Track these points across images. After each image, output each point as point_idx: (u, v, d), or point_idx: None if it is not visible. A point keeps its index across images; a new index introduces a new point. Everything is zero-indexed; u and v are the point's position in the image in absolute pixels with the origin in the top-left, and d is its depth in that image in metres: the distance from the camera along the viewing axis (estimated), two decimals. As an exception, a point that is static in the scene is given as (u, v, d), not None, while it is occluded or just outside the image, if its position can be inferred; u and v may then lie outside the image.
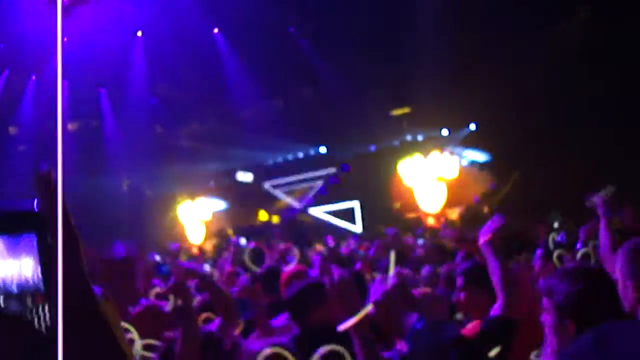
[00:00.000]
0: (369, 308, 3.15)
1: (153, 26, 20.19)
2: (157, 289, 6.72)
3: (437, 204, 22.29)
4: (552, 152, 18.78)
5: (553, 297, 2.99)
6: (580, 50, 18.37)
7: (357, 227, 24.96)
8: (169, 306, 5.91)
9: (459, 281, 5.24)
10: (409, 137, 25.08)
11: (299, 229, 23.10)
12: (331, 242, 16.63)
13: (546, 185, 18.32)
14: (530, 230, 12.86)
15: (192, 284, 7.90)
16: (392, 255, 4.56)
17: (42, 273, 1.07)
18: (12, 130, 22.86)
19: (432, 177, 22.29)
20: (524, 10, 17.96)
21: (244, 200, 26.41)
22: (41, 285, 1.10)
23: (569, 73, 17.94)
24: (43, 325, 1.09)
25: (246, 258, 8.96)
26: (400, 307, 3.15)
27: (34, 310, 1.10)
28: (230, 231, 24.33)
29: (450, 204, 22.48)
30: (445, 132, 24.34)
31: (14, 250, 1.08)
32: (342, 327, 3.21)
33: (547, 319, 3.02)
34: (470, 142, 23.00)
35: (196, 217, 24.48)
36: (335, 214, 25.97)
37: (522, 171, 19.86)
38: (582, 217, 7.59)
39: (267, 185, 27.15)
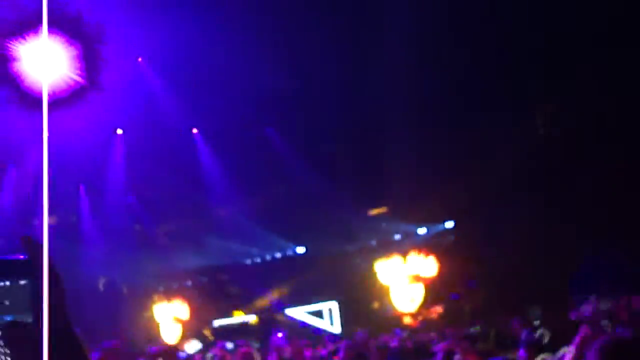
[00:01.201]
0: None
1: (133, 124, 20.36)
2: None
3: (415, 303, 22.17)
4: (532, 243, 18.87)
5: None
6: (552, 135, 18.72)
7: (335, 328, 24.77)
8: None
9: None
10: (386, 237, 25.13)
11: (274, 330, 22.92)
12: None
13: (528, 278, 18.33)
14: (509, 326, 12.83)
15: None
16: None
17: (32, 310, 1.23)
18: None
19: (409, 276, 22.23)
20: (494, 104, 18.33)
21: (221, 298, 26.19)
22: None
23: (538, 162, 18.25)
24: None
25: None
26: None
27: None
28: (207, 331, 24.10)
29: (429, 302, 22.39)
30: (422, 230, 24.45)
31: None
32: None
33: None
34: (448, 240, 23.08)
35: (171, 317, 24.20)
36: (313, 314, 25.78)
37: (502, 265, 19.86)
38: (564, 311, 7.62)
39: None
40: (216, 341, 20.33)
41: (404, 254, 22.59)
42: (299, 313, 26.20)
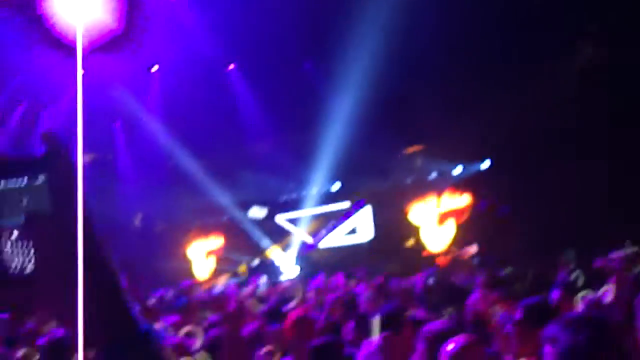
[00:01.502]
0: None
1: (169, 61, 20.34)
2: (189, 327, 6.71)
3: (447, 243, 22.13)
4: (566, 186, 18.70)
5: (555, 345, 2.91)
6: (591, 77, 18.42)
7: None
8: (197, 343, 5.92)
9: (518, 314, 5.14)
10: (421, 175, 25.03)
11: (312, 265, 23.06)
12: (341, 280, 16.31)
13: (564, 220, 18.18)
14: (548, 269, 12.74)
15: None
16: (377, 322, 4.57)
17: (51, 203, 1.24)
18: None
19: (443, 214, 22.19)
20: (533, 39, 18.07)
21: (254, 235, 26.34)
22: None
23: (581, 103, 17.98)
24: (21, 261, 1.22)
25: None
26: None
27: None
28: (243, 268, 24.29)
29: (463, 243, 22.32)
30: (458, 169, 24.32)
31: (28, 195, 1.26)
32: None
33: None
34: (484, 179, 22.90)
35: (207, 252, 24.41)
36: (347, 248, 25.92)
37: (536, 208, 19.70)
38: (596, 255, 7.52)
39: (279, 219, 27.01)
40: (250, 278, 20.45)
41: (439, 193, 22.54)
42: (333, 240, 26.33)
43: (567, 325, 2.91)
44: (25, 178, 1.25)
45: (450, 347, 4.21)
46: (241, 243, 25.71)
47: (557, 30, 18.34)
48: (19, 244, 1.21)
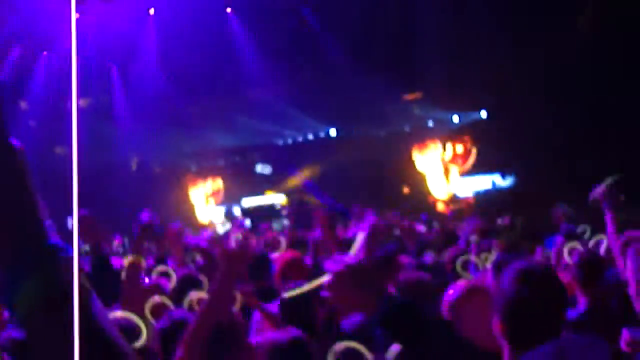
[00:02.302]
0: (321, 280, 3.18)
1: (165, 3, 20.15)
2: (163, 267, 6.68)
3: (448, 190, 22.12)
4: (562, 141, 18.71)
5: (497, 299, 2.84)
6: (594, 39, 18.31)
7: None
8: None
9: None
10: (419, 123, 24.98)
11: (307, 211, 23.03)
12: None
13: (564, 174, 18.21)
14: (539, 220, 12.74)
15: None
16: (359, 236, 4.55)
17: None
18: (24, 105, 22.86)
19: (443, 162, 22.16)
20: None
21: (252, 178, 26.37)
22: None
23: (582, 61, 17.89)
24: None
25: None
26: (352, 287, 3.14)
27: None
28: (237, 210, 24.32)
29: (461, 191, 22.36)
30: (456, 118, 24.27)
31: None
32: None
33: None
34: (482, 128, 22.87)
35: (204, 195, 24.41)
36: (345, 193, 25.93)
37: (538, 158, 19.70)
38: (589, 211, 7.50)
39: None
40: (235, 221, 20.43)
41: (439, 141, 22.48)
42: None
43: (511, 278, 2.81)
44: None
45: (451, 292, 4.20)
46: (236, 186, 25.72)
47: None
48: None
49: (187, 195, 24.33)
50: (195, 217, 23.40)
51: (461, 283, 4.22)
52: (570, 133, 18.39)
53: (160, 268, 6.50)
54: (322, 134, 26.68)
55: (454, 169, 22.08)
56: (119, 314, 3.68)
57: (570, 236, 7.59)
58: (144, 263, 5.32)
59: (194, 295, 5.13)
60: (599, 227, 6.90)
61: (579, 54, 18.06)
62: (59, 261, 1.22)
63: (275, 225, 21.65)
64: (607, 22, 18.02)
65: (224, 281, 3.62)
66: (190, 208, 24.00)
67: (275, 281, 6.20)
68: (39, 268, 1.20)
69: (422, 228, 13.84)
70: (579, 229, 8.61)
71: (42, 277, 1.19)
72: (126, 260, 5.21)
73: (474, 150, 21.93)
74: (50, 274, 1.20)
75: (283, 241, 9.07)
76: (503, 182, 23.02)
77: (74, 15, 1.45)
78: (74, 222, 1.17)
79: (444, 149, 22.07)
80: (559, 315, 2.76)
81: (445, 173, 22.03)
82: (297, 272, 5.98)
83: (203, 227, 19.76)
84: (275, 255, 7.64)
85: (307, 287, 3.36)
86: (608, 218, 5.43)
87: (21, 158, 1.25)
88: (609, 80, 17.42)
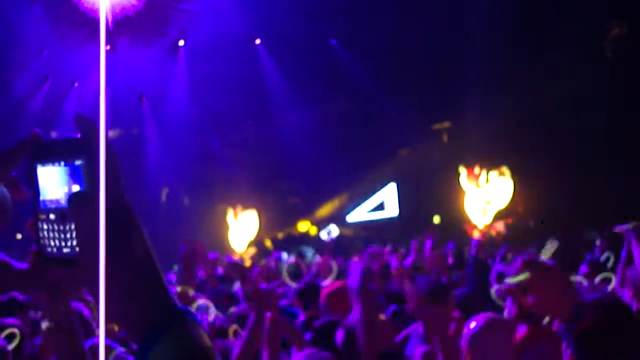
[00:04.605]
0: None
1: (195, 35, 20.33)
2: (201, 300, 6.70)
3: (486, 217, 21.97)
4: (593, 166, 18.66)
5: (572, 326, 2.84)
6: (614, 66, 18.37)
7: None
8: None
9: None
10: (448, 151, 24.89)
11: (339, 240, 23.02)
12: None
13: (591, 199, 18.15)
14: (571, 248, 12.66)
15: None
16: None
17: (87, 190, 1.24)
18: (54, 135, 23.07)
19: (481, 190, 22.00)
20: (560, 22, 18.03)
21: (282, 209, 26.39)
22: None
23: (602, 90, 17.95)
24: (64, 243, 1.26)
25: (284, 272, 8.93)
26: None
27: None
28: (268, 241, 24.31)
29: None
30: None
31: (66, 178, 1.26)
32: None
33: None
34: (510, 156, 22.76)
35: (237, 226, 24.43)
36: (374, 209, 25.98)
37: (565, 185, 19.63)
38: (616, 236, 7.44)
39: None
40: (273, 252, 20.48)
41: (469, 170, 22.37)
42: (360, 215, 26.37)
43: (586, 307, 2.85)
44: (63, 161, 1.27)
45: (472, 325, 4.16)
46: (268, 217, 25.75)
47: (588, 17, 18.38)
48: (59, 225, 1.25)
49: (218, 227, 24.37)
50: (226, 248, 23.43)
51: (483, 315, 4.18)
52: (605, 161, 18.36)
53: (201, 301, 6.53)
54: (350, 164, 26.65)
55: (494, 200, 21.91)
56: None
57: (594, 265, 7.53)
58: (191, 292, 5.35)
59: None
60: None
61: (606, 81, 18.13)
62: (190, 325, 1.24)
63: (308, 254, 21.70)
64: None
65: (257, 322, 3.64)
66: (222, 239, 24.04)
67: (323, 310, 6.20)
68: (175, 334, 1.22)
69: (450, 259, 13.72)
70: (603, 257, 8.52)
71: (177, 342, 1.22)
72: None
73: (510, 182, 21.82)
74: (185, 339, 1.22)
75: (334, 267, 9.06)
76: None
77: (103, 48, 1.47)
78: (100, 257, 1.21)
79: (487, 178, 21.96)
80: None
81: (486, 202, 21.89)
82: (342, 301, 5.95)
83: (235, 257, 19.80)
84: (325, 282, 7.66)
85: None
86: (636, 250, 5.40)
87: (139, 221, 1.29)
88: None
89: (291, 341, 5.30)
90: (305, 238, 25.50)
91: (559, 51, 18.63)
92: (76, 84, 21.50)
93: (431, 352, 4.41)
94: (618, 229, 5.74)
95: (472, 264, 9.10)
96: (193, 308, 6.21)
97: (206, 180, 24.73)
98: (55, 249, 1.26)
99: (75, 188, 1.22)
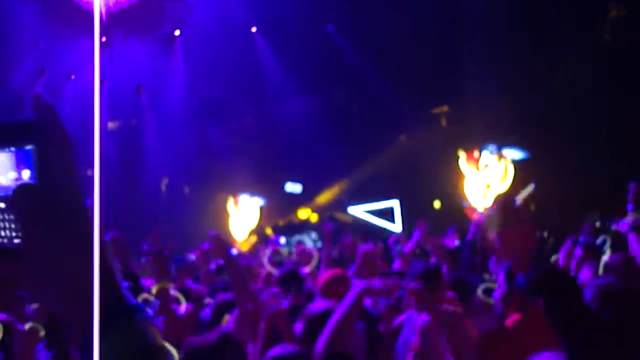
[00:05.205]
0: None
1: (191, 25, 20.27)
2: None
3: (486, 202, 21.93)
4: (591, 151, 18.65)
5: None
6: (616, 48, 18.33)
7: (397, 227, 24.76)
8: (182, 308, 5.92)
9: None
10: (447, 135, 24.86)
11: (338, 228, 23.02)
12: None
13: (584, 184, 18.15)
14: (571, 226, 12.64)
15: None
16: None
17: (39, 180, 1.19)
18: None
19: (480, 175, 21.97)
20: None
21: (283, 198, 26.40)
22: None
23: (603, 75, 17.92)
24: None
25: (265, 260, 9.00)
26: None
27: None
28: (268, 229, 24.31)
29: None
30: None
31: (15, 163, 1.21)
32: None
33: None
34: (509, 139, 22.74)
35: (237, 214, 24.44)
36: (374, 213, 25.83)
37: (561, 170, 19.62)
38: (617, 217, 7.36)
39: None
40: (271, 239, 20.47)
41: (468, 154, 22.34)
42: (360, 212, 26.31)
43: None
44: (13, 145, 1.21)
45: (422, 319, 4.20)
46: (270, 205, 25.77)
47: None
48: (9, 214, 1.19)
49: (218, 216, 24.37)
50: (227, 237, 23.42)
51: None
52: (604, 146, 18.35)
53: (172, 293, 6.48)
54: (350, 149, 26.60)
55: (494, 183, 21.88)
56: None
57: (589, 248, 7.42)
58: (169, 287, 5.35)
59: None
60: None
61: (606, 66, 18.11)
62: (139, 322, 1.22)
63: (308, 241, 21.72)
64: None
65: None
66: (223, 228, 24.03)
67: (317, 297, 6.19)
68: (119, 330, 1.20)
69: (453, 242, 13.67)
70: (599, 240, 8.40)
71: (123, 339, 1.20)
72: (154, 288, 5.23)
73: (511, 166, 21.81)
74: (130, 336, 1.21)
75: (315, 256, 9.03)
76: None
77: (97, 39, 1.45)
78: (95, 244, 1.18)
79: (486, 162, 21.93)
80: None
81: (485, 186, 21.86)
82: (339, 288, 5.94)
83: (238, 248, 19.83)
84: (305, 269, 7.65)
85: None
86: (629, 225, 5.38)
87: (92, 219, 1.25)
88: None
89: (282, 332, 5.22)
90: (305, 225, 25.51)
91: (558, 35, 18.60)
92: (73, 77, 21.45)
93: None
94: (620, 225, 5.68)
95: (466, 248, 9.11)
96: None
97: (206, 169, 24.71)
98: (5, 239, 1.22)
99: (26, 174, 1.17)
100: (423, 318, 4.37)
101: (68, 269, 1.20)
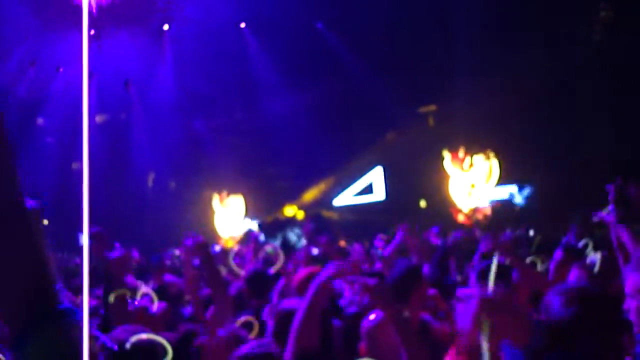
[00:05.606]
0: None
1: (180, 20, 20.26)
2: (144, 289, 6.65)
3: (471, 201, 21.97)
4: (579, 150, 18.73)
5: (547, 315, 2.87)
6: (601, 52, 18.44)
7: (380, 195, 25.09)
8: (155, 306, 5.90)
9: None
10: (434, 134, 24.91)
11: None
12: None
13: (572, 184, 18.21)
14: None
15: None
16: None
17: None
18: (40, 121, 23.01)
19: (466, 175, 22.02)
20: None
21: (269, 194, 26.34)
22: None
23: (588, 76, 18.02)
24: None
25: (230, 261, 8.98)
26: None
27: None
28: (253, 226, 24.28)
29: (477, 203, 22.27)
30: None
31: None
32: None
33: None
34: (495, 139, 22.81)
35: (222, 211, 24.39)
36: (361, 192, 26.00)
37: (548, 169, 19.70)
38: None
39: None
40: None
41: (454, 153, 22.37)
42: (347, 199, 26.37)
43: (561, 296, 2.86)
44: None
45: (371, 317, 4.22)
46: (254, 201, 25.71)
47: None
48: None
49: (203, 212, 24.32)
50: (213, 233, 23.38)
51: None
52: (589, 146, 18.43)
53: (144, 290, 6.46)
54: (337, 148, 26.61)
55: (479, 183, 21.91)
56: (144, 336, 3.66)
57: (570, 250, 7.42)
58: (128, 294, 5.30)
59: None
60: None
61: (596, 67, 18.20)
62: (68, 326, 1.22)
63: (292, 237, 21.71)
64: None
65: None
66: (208, 223, 23.99)
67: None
68: (48, 333, 1.20)
69: (437, 241, 13.67)
70: (581, 243, 8.41)
71: (51, 342, 1.20)
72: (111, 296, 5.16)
73: (496, 165, 21.86)
74: (59, 339, 1.21)
75: (281, 256, 8.93)
76: (520, 194, 22.92)
77: (85, 34, 1.47)
78: (84, 238, 1.18)
79: (471, 162, 21.97)
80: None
81: (470, 185, 21.91)
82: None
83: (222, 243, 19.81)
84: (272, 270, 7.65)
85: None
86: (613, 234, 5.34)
87: (35, 219, 1.25)
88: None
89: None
90: (291, 222, 25.49)
91: (546, 36, 18.69)
92: (61, 69, 21.38)
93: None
94: (597, 217, 5.64)
95: (439, 252, 9.11)
96: (138, 297, 6.18)
97: (193, 164, 24.67)
98: None
99: None
100: (369, 319, 4.40)
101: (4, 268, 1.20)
